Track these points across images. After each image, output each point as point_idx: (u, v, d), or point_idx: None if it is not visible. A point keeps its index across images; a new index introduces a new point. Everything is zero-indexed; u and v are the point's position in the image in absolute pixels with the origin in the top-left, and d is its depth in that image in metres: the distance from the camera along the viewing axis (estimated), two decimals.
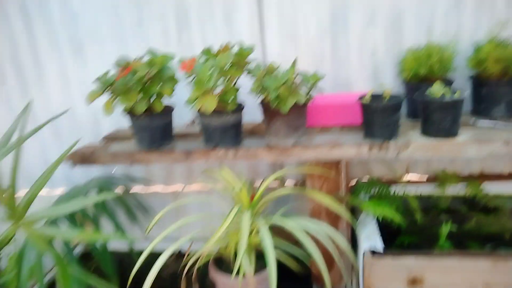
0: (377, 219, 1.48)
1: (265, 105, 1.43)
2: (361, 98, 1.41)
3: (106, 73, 1.48)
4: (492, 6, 1.61)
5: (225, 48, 1.45)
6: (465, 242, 1.44)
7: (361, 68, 1.79)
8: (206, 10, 1.83)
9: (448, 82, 1.52)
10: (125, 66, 1.45)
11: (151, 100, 1.50)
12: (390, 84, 1.78)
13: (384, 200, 1.57)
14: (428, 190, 1.81)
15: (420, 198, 1.78)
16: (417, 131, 1.44)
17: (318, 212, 1.49)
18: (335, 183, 1.44)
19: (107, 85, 1.42)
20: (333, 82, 1.82)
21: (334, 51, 1.79)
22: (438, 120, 1.31)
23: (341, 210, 1.40)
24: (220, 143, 1.48)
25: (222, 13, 1.82)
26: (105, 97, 1.46)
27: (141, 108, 1.44)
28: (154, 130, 1.52)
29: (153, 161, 1.55)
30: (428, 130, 1.35)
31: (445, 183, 1.71)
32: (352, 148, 1.38)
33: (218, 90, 1.39)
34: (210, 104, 1.32)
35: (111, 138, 1.84)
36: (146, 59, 1.52)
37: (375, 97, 1.41)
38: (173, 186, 2.15)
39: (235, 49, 1.46)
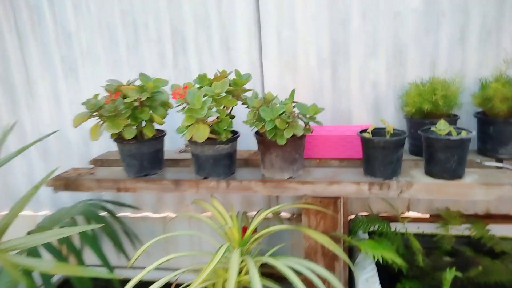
0: (377, 261, 1.38)
1: (260, 136, 1.36)
2: (362, 132, 1.34)
3: (96, 96, 1.41)
4: (497, 43, 1.57)
5: (221, 75, 1.39)
6: None
7: (362, 100, 1.73)
8: (204, 35, 1.78)
9: (452, 119, 1.45)
10: (114, 90, 1.39)
11: (142, 125, 1.43)
12: (392, 118, 1.72)
13: (384, 239, 1.48)
14: (430, 228, 1.72)
15: (422, 237, 1.69)
16: (420, 169, 1.36)
17: (313, 251, 1.40)
18: (333, 221, 1.35)
19: (94, 108, 1.35)
20: (333, 114, 1.76)
21: (334, 82, 1.74)
22: (443, 159, 1.23)
23: (339, 251, 1.31)
24: (211, 173, 1.39)
25: (220, 39, 1.78)
26: (93, 121, 1.39)
27: (129, 134, 1.37)
28: (143, 157, 1.44)
29: (140, 189, 1.46)
30: (432, 169, 1.27)
31: (449, 222, 1.63)
32: (351, 186, 1.30)
33: (212, 118, 1.33)
34: (202, 133, 1.25)
35: (100, 161, 1.75)
36: (138, 83, 1.46)
37: (377, 132, 1.34)
38: (162, 213, 2.05)
39: (231, 77, 1.40)
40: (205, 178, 1.41)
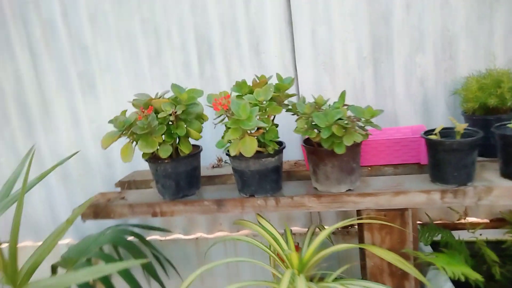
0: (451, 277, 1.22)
1: (310, 145, 1.21)
2: (427, 133, 1.19)
3: (124, 113, 1.28)
4: None
5: (261, 81, 1.25)
6: None
7: (409, 99, 1.59)
8: (232, 40, 1.65)
9: None
10: (145, 105, 1.25)
11: (176, 142, 1.29)
12: (443, 117, 1.56)
13: (452, 251, 1.32)
14: (494, 235, 1.56)
15: (487, 244, 1.53)
16: (492, 172, 1.21)
17: (379, 271, 1.24)
18: (400, 235, 1.20)
19: (125, 126, 1.21)
20: (377, 116, 1.61)
21: (377, 81, 1.59)
22: None
23: (410, 269, 1.15)
24: (258, 190, 1.25)
25: (249, 43, 1.64)
26: (121, 140, 1.26)
27: (166, 153, 1.23)
28: (180, 176, 1.30)
29: (179, 213, 1.32)
30: None
31: None
32: (420, 195, 1.15)
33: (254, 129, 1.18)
34: (251, 147, 1.11)
35: (127, 183, 1.61)
36: (168, 95, 1.32)
37: (442, 133, 1.19)
38: (194, 234, 1.90)
39: (272, 82, 1.26)
40: (251, 196, 1.26)
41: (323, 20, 1.57)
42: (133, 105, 1.32)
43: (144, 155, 1.29)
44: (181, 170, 1.29)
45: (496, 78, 1.29)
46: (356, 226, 1.70)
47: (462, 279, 1.12)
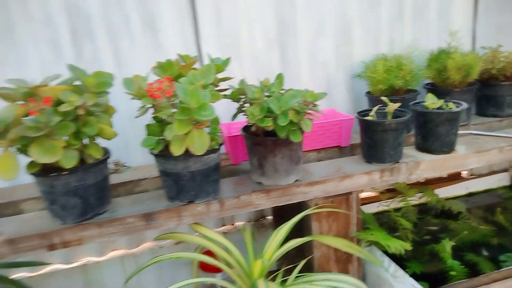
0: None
1: (256, 135, 1.07)
2: (362, 114, 1.20)
3: None
4: (428, 18, 1.65)
5: (189, 63, 1.02)
6: (465, 257, 1.38)
7: (313, 83, 1.59)
8: (117, 14, 1.32)
9: (415, 94, 1.45)
10: (28, 95, 0.86)
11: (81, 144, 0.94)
12: (343, 99, 1.64)
13: (373, 226, 1.40)
14: (383, 205, 1.74)
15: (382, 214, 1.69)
16: (410, 147, 1.31)
17: (326, 260, 1.20)
18: (346, 220, 1.18)
19: (1, 129, 0.81)
20: None
21: (284, 65, 1.54)
22: (443, 133, 1.20)
23: (360, 252, 1.15)
24: (199, 195, 1.03)
25: (141, 18, 1.35)
26: None
27: (71, 161, 0.88)
28: (88, 190, 0.96)
29: (91, 239, 0.98)
30: (431, 145, 1.23)
31: (407, 195, 1.66)
32: (363, 177, 1.16)
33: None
34: (203, 142, 0.89)
35: None
36: (56, 82, 0.96)
37: (364, 114, 1.22)
38: (79, 260, 1.49)
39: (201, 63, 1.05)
40: (190, 202, 1.03)
41: None
42: (2, 96, 0.90)
43: (31, 167, 0.90)
44: (90, 182, 0.96)
45: (398, 62, 1.40)
46: (270, 217, 1.64)
47: (401, 252, 1.18)
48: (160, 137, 0.97)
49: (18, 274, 1.40)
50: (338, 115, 1.46)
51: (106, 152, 1.02)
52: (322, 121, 1.36)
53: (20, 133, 0.81)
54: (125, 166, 1.35)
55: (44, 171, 0.91)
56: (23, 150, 0.85)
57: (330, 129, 1.36)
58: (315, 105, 1.04)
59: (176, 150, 0.88)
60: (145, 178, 1.25)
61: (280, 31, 1.50)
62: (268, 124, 0.97)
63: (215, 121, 1.00)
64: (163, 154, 0.97)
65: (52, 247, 0.96)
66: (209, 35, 1.42)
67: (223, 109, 1.21)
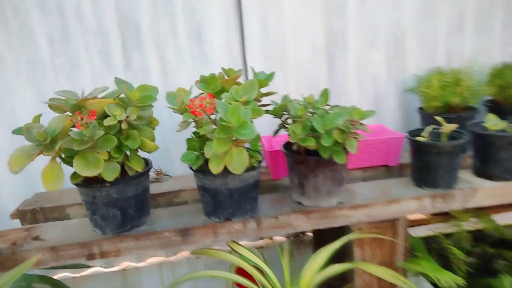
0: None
1: (297, 154, 1.02)
2: (413, 134, 1.12)
3: (37, 119, 0.89)
4: (492, 30, 1.52)
5: (233, 77, 1.00)
6: None
7: (361, 97, 1.52)
8: (165, 24, 1.34)
9: (473, 112, 1.34)
10: (76, 108, 0.88)
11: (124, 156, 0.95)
12: (393, 115, 1.55)
13: (423, 254, 1.30)
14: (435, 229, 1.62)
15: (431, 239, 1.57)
16: (466, 171, 1.21)
17: None
18: (392, 247, 1.11)
19: (47, 140, 0.83)
20: None
21: (331, 78, 1.48)
22: (505, 159, 1.09)
23: (405, 283, 1.07)
24: (236, 212, 1.00)
25: (188, 28, 1.37)
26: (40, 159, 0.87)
27: (113, 174, 0.89)
28: (128, 202, 0.97)
29: (129, 250, 0.98)
30: (491, 171, 1.13)
31: (460, 219, 1.53)
32: (412, 203, 1.08)
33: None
34: (242, 161, 0.86)
35: (32, 213, 1.18)
36: (103, 94, 0.97)
37: (415, 134, 1.13)
38: (119, 264, 1.53)
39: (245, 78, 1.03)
40: (227, 219, 1.01)
41: (275, 7, 1.38)
42: (52, 107, 0.93)
43: (74, 177, 0.92)
44: (130, 194, 0.96)
45: (456, 77, 1.29)
46: (311, 234, 1.58)
47: (452, 286, 1.08)
48: (200, 152, 0.96)
49: (61, 275, 1.46)
50: (387, 132, 1.38)
51: (147, 164, 1.03)
52: (369, 138, 1.29)
53: (66, 145, 0.83)
54: (166, 175, 1.36)
55: (86, 182, 0.92)
56: (68, 161, 0.87)
57: (377, 147, 1.29)
58: (362, 124, 0.98)
59: (215, 168, 0.87)
60: (184, 189, 1.25)
61: (328, 42, 1.45)
62: (311, 144, 0.93)
63: (256, 137, 0.97)
64: (202, 169, 0.96)
65: (91, 257, 0.97)
66: (254, 46, 1.40)
67: (265, 121, 1.18)
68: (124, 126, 0.86)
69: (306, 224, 1.05)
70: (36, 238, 1.00)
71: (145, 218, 1.04)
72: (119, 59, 1.34)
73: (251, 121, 0.87)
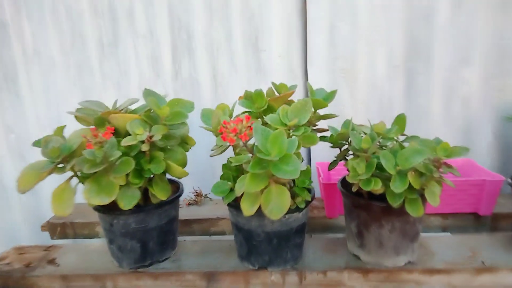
0: None
1: (359, 197, 0.80)
2: None
3: (59, 132, 0.78)
4: None
5: (285, 95, 0.82)
6: None
7: (447, 123, 1.24)
8: (220, 30, 1.20)
9: None
10: (99, 121, 0.77)
11: (146, 181, 0.82)
12: (486, 147, 1.24)
13: None
14: None
15: None
16: None
17: None
18: None
19: (61, 157, 0.72)
20: None
21: (409, 98, 1.23)
22: None
23: None
24: (274, 261, 0.81)
25: (244, 35, 1.21)
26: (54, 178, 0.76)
27: (130, 202, 0.75)
28: (149, 235, 0.83)
29: None
30: None
31: None
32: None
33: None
34: (282, 204, 0.67)
35: (61, 227, 1.10)
36: (134, 106, 0.85)
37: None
38: None
39: (295, 94, 0.84)
40: (262, 268, 0.82)
41: (346, 13, 1.18)
42: (77, 118, 0.83)
43: (91, 202, 0.79)
44: (152, 225, 0.82)
45: None
46: None
47: None
48: (235, 184, 0.79)
49: None
50: (479, 170, 1.09)
51: (177, 190, 0.88)
52: (455, 178, 1.02)
53: (78, 165, 0.71)
54: (207, 197, 1.22)
55: (104, 207, 0.80)
56: (84, 183, 0.75)
57: (465, 189, 1.01)
58: (450, 167, 0.73)
59: (247, 209, 0.69)
60: (223, 218, 1.09)
61: (409, 56, 1.20)
62: (376, 188, 0.71)
63: (307, 172, 0.77)
64: (236, 205, 0.79)
65: None
66: (319, 57, 1.21)
67: (324, 145, 0.98)
68: (145, 147, 0.72)
69: (363, 286, 0.82)
70: (52, 262, 0.90)
71: (170, 252, 0.89)
72: (168, 67, 1.23)
73: (298, 154, 0.68)
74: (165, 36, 1.21)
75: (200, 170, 1.27)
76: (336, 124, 0.86)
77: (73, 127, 0.79)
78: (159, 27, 1.20)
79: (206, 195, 1.22)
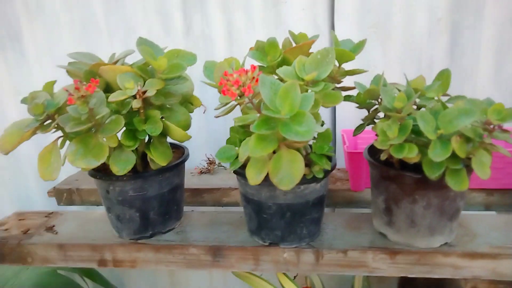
0: None
1: (389, 167, 0.68)
2: None
3: (49, 87, 0.70)
4: None
5: (304, 45, 0.69)
6: None
7: (497, 86, 1.07)
8: None
9: None
10: (87, 74, 0.67)
11: (144, 143, 0.73)
12: None
13: None
14: None
15: None
16: None
17: None
18: None
19: (45, 114, 0.64)
20: None
21: (453, 57, 1.06)
22: None
23: None
24: (286, 237, 0.72)
25: None
26: (43, 137, 0.69)
27: (123, 167, 0.67)
28: (148, 204, 0.74)
29: (145, 264, 0.77)
30: None
31: None
32: None
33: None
34: (294, 171, 0.56)
35: (67, 193, 1.05)
36: (132, 59, 0.75)
37: None
38: None
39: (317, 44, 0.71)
40: (273, 244, 0.73)
41: None
42: (69, 73, 0.74)
43: (83, 167, 0.71)
44: (151, 194, 0.74)
45: None
46: None
47: None
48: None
49: None
50: None
51: (181, 155, 0.79)
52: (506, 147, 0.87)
53: (61, 123, 0.62)
54: (220, 166, 1.13)
55: (98, 172, 0.72)
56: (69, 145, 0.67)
57: None
58: (505, 131, 0.59)
59: (253, 177, 0.58)
60: (236, 188, 1.00)
61: (454, 6, 1.03)
62: (411, 156, 0.58)
63: (326, 136, 0.66)
64: (243, 172, 0.68)
65: (102, 263, 0.78)
66: (348, 10, 1.05)
67: (351, 109, 0.86)
68: (136, 104, 0.62)
69: (389, 269, 0.71)
70: (50, 229, 0.84)
71: (174, 223, 0.81)
72: (179, 23, 1.12)
73: (317, 114, 0.56)
74: None
75: (215, 136, 1.18)
76: (365, 83, 0.73)
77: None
78: None
79: (219, 163, 1.13)
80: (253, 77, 0.54)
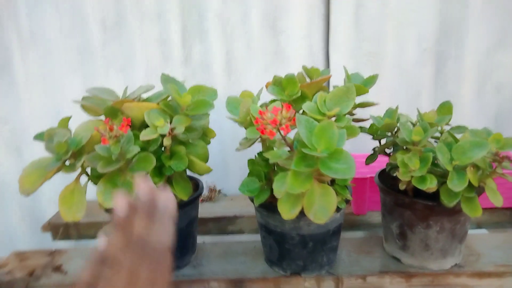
0: None
1: (404, 192, 0.72)
2: None
3: (64, 123, 0.69)
4: None
5: (320, 81, 0.73)
6: None
7: (478, 112, 1.16)
8: (236, 10, 1.10)
9: None
10: (111, 112, 0.67)
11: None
12: None
13: None
14: None
15: None
16: None
17: None
18: None
19: (69, 153, 0.63)
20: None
21: (437, 84, 1.15)
22: None
23: None
24: (308, 266, 0.73)
25: (262, 16, 1.10)
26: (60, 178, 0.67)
27: None
28: None
29: None
30: None
31: None
32: None
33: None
34: (328, 206, 0.59)
35: (64, 228, 1.01)
36: (147, 94, 0.76)
37: None
38: None
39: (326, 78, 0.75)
40: (295, 274, 0.74)
41: None
42: (85, 108, 0.73)
43: (104, 203, 0.70)
44: None
45: None
46: None
47: None
48: (266, 182, 0.70)
49: None
50: None
51: (197, 188, 0.80)
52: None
53: (89, 163, 0.61)
54: (221, 193, 1.13)
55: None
56: (96, 182, 0.66)
57: (505, 183, 0.94)
58: (511, 161, 0.65)
59: (286, 212, 0.60)
60: (241, 216, 1.01)
61: (440, 38, 1.11)
62: (431, 186, 0.62)
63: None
64: (267, 205, 0.70)
65: None
66: (342, 40, 1.11)
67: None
68: (166, 141, 0.62)
69: None
70: (58, 269, 0.81)
71: (190, 257, 0.81)
72: (177, 51, 1.13)
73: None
74: (174, 16, 1.11)
75: (211, 163, 1.18)
76: (359, 113, 0.78)
77: (75, 118, 0.70)
78: (168, 6, 1.10)
79: (220, 190, 1.13)
80: (289, 116, 0.56)
